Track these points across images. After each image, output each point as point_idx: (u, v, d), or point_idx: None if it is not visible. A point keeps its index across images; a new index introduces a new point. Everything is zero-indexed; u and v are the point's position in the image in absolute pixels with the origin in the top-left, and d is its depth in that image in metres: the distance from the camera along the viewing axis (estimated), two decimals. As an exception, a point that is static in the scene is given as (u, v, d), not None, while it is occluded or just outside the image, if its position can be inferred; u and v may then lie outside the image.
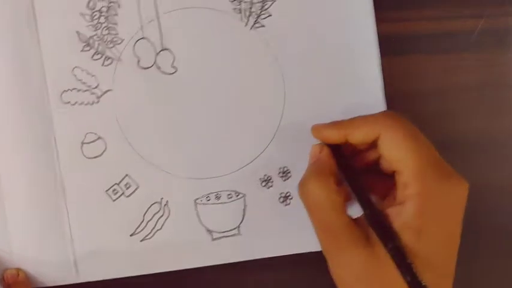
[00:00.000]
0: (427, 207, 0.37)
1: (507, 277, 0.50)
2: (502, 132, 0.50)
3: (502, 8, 0.49)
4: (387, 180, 0.40)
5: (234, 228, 0.47)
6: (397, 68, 0.48)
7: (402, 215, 0.37)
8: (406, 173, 0.37)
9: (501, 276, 0.50)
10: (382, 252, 0.37)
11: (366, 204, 0.39)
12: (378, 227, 0.38)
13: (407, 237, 0.37)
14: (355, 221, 0.39)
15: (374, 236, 0.38)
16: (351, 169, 0.41)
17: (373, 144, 0.40)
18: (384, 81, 0.47)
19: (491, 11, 0.49)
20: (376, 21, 0.47)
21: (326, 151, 0.41)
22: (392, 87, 0.48)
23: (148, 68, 0.46)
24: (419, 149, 0.38)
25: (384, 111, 0.41)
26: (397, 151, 0.38)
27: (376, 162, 0.42)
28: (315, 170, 0.40)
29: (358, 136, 0.40)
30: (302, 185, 0.40)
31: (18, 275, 0.45)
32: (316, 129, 0.42)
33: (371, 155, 0.42)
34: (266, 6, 0.47)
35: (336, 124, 0.41)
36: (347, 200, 0.40)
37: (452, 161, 0.39)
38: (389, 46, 0.48)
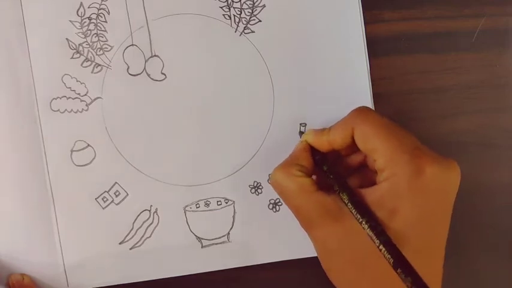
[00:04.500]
0: (400, 188, 0.38)
1: (504, 276, 0.50)
2: (502, 132, 0.49)
3: (502, 8, 0.49)
4: (375, 176, 0.41)
5: (224, 236, 0.46)
6: (397, 68, 0.48)
7: (375, 193, 0.39)
8: (380, 159, 0.39)
9: (499, 275, 0.50)
10: (352, 226, 0.38)
11: (337, 183, 0.40)
12: (351, 202, 0.39)
13: (380, 214, 0.38)
14: (329, 197, 0.40)
15: (345, 211, 0.39)
16: (325, 160, 0.42)
17: (357, 147, 0.41)
18: (383, 80, 0.47)
19: (491, 11, 0.49)
20: (375, 21, 0.47)
21: (299, 146, 0.43)
22: (392, 87, 0.48)
23: (137, 75, 0.46)
24: (390, 136, 0.39)
25: (354, 109, 0.41)
26: (370, 141, 0.39)
27: (364, 162, 0.43)
28: (282, 162, 0.42)
29: (338, 140, 0.41)
30: (270, 176, 0.42)
31: (23, 279, 0.45)
32: (306, 133, 0.44)
33: (357, 157, 0.43)
34: (256, 12, 0.46)
35: (318, 132, 0.43)
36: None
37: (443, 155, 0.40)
38: (390, 46, 0.48)
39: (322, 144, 0.42)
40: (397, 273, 0.35)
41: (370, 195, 0.39)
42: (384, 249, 0.36)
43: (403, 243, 0.37)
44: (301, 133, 0.45)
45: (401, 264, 0.35)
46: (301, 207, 0.41)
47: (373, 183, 0.41)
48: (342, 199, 0.39)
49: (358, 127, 0.40)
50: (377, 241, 0.37)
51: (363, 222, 0.37)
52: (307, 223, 0.41)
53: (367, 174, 0.43)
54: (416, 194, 0.38)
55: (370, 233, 0.37)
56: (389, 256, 0.36)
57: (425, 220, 0.38)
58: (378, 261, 0.37)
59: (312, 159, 0.42)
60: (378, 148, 0.39)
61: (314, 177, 0.42)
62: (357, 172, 0.44)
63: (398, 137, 0.39)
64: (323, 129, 0.42)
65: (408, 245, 0.37)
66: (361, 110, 0.41)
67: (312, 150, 0.43)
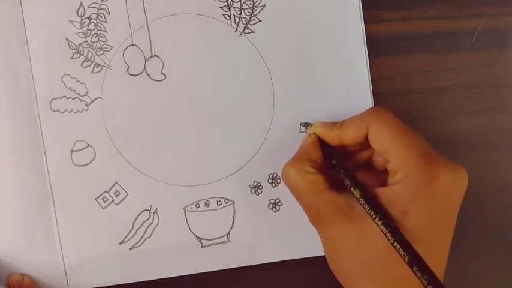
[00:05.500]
0: (413, 191, 0.38)
1: (504, 276, 0.50)
2: (502, 132, 0.49)
3: (502, 8, 0.49)
4: (381, 176, 0.41)
5: (224, 236, 0.46)
6: (397, 68, 0.48)
7: (388, 194, 0.39)
8: (394, 160, 0.39)
9: (498, 276, 0.50)
10: (364, 225, 0.39)
11: (348, 177, 0.40)
12: (364, 198, 0.39)
13: (394, 215, 0.38)
14: (341, 196, 0.40)
15: (357, 209, 0.39)
16: (334, 153, 0.42)
17: (365, 145, 0.41)
18: (383, 80, 0.47)
19: (491, 11, 0.49)
20: (375, 21, 0.47)
21: (309, 140, 0.43)
22: (392, 87, 0.48)
23: (137, 75, 0.46)
24: (405, 138, 0.39)
25: (370, 107, 0.42)
26: (385, 142, 0.39)
27: (370, 160, 0.43)
28: (293, 157, 0.42)
29: (349, 136, 0.41)
30: (282, 171, 0.42)
31: (23, 279, 0.45)
32: (314, 125, 0.44)
33: (364, 155, 0.43)
34: (256, 12, 0.46)
35: (328, 125, 0.43)
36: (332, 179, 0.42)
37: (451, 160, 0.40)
38: (390, 46, 0.48)
39: (332, 138, 0.42)
40: (413, 271, 0.35)
41: (383, 195, 0.39)
42: (398, 246, 0.36)
43: (412, 243, 0.37)
44: (306, 124, 0.45)
45: (417, 262, 0.36)
46: (312, 205, 0.41)
47: (379, 181, 0.41)
48: (353, 194, 0.39)
49: (374, 126, 0.40)
50: (391, 238, 0.37)
51: (377, 219, 0.37)
52: (318, 221, 0.41)
53: (373, 172, 0.43)
54: (428, 199, 0.38)
55: (384, 230, 0.37)
56: (404, 254, 0.36)
57: (435, 222, 0.39)
58: (389, 260, 0.38)
59: (321, 153, 0.42)
60: (392, 149, 0.39)
61: None
62: (363, 169, 0.43)
63: (412, 139, 0.39)
64: (333, 123, 0.42)
65: (417, 245, 0.37)
66: (378, 109, 0.41)
67: (321, 143, 0.43)
